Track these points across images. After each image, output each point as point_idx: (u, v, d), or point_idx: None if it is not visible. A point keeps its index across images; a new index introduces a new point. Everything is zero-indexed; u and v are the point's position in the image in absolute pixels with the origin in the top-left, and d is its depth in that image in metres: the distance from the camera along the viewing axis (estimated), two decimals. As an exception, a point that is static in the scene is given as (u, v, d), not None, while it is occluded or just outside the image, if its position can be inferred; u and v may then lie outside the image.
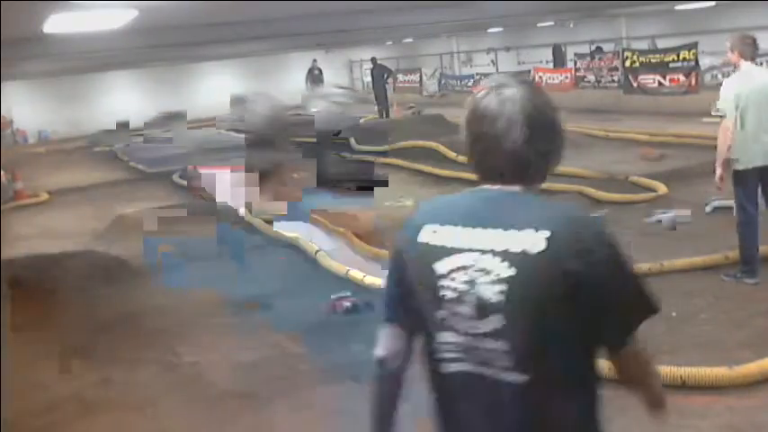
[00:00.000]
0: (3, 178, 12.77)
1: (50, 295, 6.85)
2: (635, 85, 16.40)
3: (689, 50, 15.28)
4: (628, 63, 16.73)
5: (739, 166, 5.30)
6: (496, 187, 1.62)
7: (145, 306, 6.63)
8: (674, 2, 16.44)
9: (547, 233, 1.50)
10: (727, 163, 5.35)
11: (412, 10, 10.62)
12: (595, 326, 1.53)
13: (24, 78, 21.36)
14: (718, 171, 5.37)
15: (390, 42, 26.99)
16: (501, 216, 1.56)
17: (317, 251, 7.37)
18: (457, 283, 1.55)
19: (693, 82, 15.21)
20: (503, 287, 1.51)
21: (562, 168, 8.56)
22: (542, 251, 1.49)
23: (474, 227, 1.57)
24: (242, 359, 5.15)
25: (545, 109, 1.63)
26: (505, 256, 1.52)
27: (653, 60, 16.15)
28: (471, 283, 1.54)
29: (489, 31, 22.91)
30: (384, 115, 19.02)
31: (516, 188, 1.61)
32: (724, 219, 6.72)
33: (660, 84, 15.79)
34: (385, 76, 19.46)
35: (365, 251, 7.41)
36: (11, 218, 11.56)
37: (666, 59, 15.73)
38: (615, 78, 17.48)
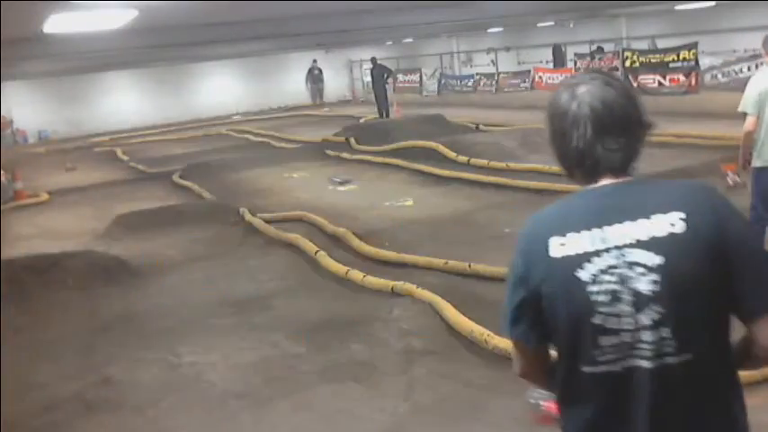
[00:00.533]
0: (3, 178, 12.77)
1: (50, 295, 6.85)
2: (635, 85, 16.37)
3: (689, 50, 15.27)
4: (628, 63, 16.72)
5: (758, 164, 5.33)
6: (606, 183, 1.63)
7: (145, 306, 6.63)
8: (674, 2, 16.45)
9: (681, 214, 1.54)
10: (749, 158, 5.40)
11: (412, 10, 10.62)
12: (740, 295, 1.56)
13: (24, 78, 21.37)
14: (741, 161, 5.43)
15: (390, 42, 26.98)
16: (627, 207, 1.58)
17: (317, 251, 7.37)
18: (607, 284, 1.55)
19: (693, 82, 15.21)
20: (655, 276, 1.53)
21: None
22: (684, 232, 1.53)
23: (603, 226, 1.57)
24: (242, 359, 5.15)
25: (618, 101, 1.61)
26: (649, 245, 1.54)
27: (653, 60, 16.15)
28: (622, 280, 1.55)
29: (489, 31, 22.91)
30: (384, 115, 19.01)
31: (624, 179, 1.63)
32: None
33: (660, 84, 15.78)
34: (385, 76, 19.45)
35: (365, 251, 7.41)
36: (11, 218, 11.57)
37: (666, 59, 15.72)
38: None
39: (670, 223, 1.54)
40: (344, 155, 14.24)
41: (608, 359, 1.58)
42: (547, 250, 1.60)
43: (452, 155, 12.05)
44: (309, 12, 9.13)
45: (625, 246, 1.55)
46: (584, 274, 1.57)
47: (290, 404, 4.44)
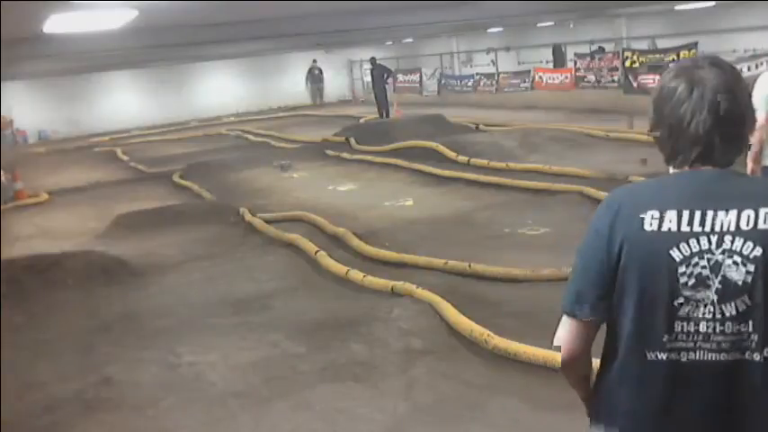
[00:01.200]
0: (3, 178, 12.77)
1: (50, 295, 6.85)
2: (635, 85, 16.40)
3: (689, 50, 15.27)
4: (628, 63, 16.73)
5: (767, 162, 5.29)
6: (704, 169, 1.58)
7: (145, 306, 6.63)
8: (674, 2, 16.44)
9: None
10: (757, 159, 5.32)
11: (412, 10, 10.61)
12: None
13: (24, 78, 21.37)
14: (750, 165, 5.35)
15: (390, 42, 26.98)
16: (732, 195, 1.54)
17: (317, 251, 7.37)
18: (699, 268, 1.52)
19: (693, 82, 15.19)
20: (751, 267, 1.50)
21: (562, 168, 8.61)
22: None
23: (703, 209, 1.53)
24: (241, 359, 5.15)
25: (735, 89, 1.58)
26: (749, 235, 1.51)
27: (653, 60, 16.15)
28: (716, 266, 1.51)
29: (489, 31, 22.90)
30: (384, 115, 19.01)
31: (726, 169, 1.59)
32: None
33: (660, 84, 15.79)
34: (385, 76, 19.45)
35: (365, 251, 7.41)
36: (11, 218, 11.56)
37: (666, 59, 15.72)
38: (615, 78, 17.49)
39: None
40: (344, 155, 14.24)
41: (677, 347, 1.54)
42: (642, 223, 1.55)
43: (452, 155, 12.06)
44: (309, 12, 9.13)
45: (725, 233, 1.52)
46: (676, 254, 1.53)
47: (289, 404, 4.44)
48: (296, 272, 7.20)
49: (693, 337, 1.53)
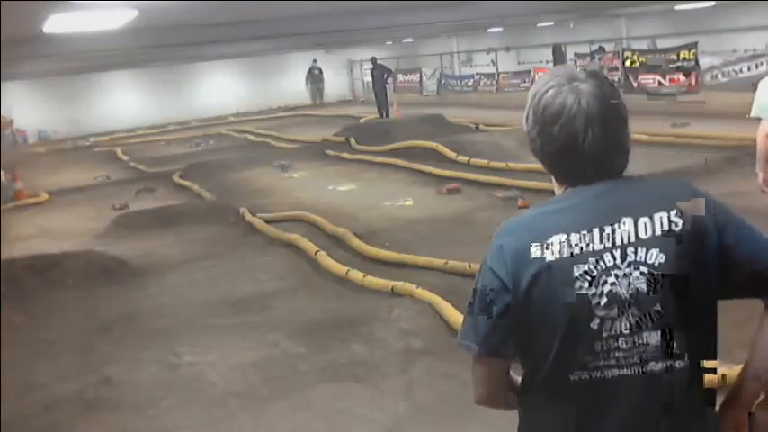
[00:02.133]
0: (3, 178, 12.77)
1: (50, 295, 6.85)
2: (635, 85, 16.39)
3: (689, 50, 15.26)
4: (628, 63, 16.72)
5: None
6: (596, 183, 1.55)
7: (145, 306, 6.63)
8: (674, 2, 16.44)
9: (677, 211, 1.49)
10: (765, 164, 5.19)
11: (412, 10, 10.61)
12: (739, 288, 1.55)
13: (24, 78, 21.36)
14: (761, 175, 5.22)
15: (390, 42, 26.97)
16: (625, 207, 1.52)
17: (317, 251, 7.37)
18: (608, 285, 1.49)
19: (693, 82, 15.20)
20: (658, 275, 1.48)
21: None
22: (683, 230, 1.49)
23: (601, 225, 1.50)
24: (241, 359, 5.15)
25: (616, 98, 1.55)
26: (650, 243, 1.49)
27: (653, 60, 16.15)
28: (625, 281, 1.49)
29: (489, 31, 22.89)
30: (384, 115, 19.01)
31: (615, 180, 1.56)
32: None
33: (660, 84, 15.78)
34: (385, 76, 19.45)
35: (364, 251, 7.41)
36: (11, 218, 11.56)
37: (666, 59, 15.72)
38: (615, 78, 17.47)
39: (670, 221, 1.49)
40: (344, 155, 14.24)
41: (600, 365, 1.51)
42: (542, 251, 1.51)
43: (452, 155, 12.06)
44: (309, 12, 9.12)
45: (627, 244, 1.49)
46: (582, 276, 1.49)
47: (289, 404, 4.44)
48: (296, 272, 7.20)
49: (614, 353, 1.50)
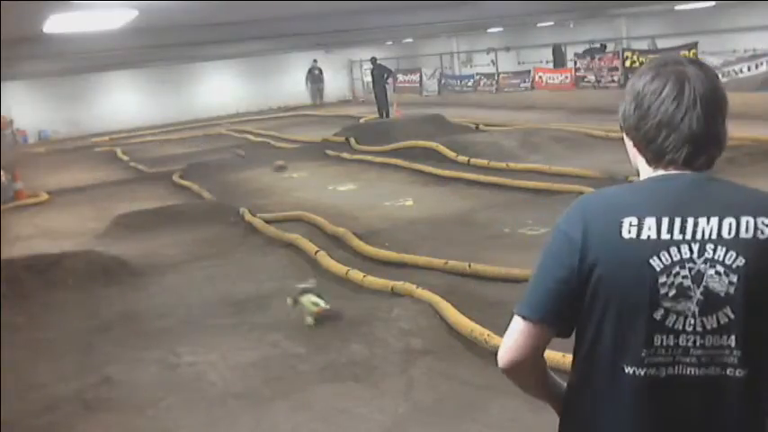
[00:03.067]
0: (3, 178, 12.77)
1: (50, 295, 6.85)
2: (635, 85, 16.40)
3: (689, 50, 15.28)
4: (628, 63, 16.74)
5: None
6: (684, 173, 1.50)
7: (145, 306, 6.63)
8: (674, 2, 16.44)
9: (767, 220, 1.44)
10: None
11: (412, 10, 10.61)
12: None
13: (24, 78, 21.37)
14: None
15: (390, 42, 26.97)
16: (713, 202, 1.47)
17: (317, 251, 7.37)
18: (680, 278, 1.44)
19: (693, 82, 15.20)
20: (734, 278, 1.43)
21: (562, 168, 8.65)
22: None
23: (684, 216, 1.45)
24: (242, 359, 5.15)
25: (720, 87, 1.52)
26: (732, 244, 1.43)
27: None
28: (697, 276, 1.44)
29: (489, 31, 22.90)
30: (384, 115, 19.02)
31: (705, 174, 1.50)
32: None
33: (660, 84, 15.80)
34: (385, 76, 19.47)
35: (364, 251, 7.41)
36: (11, 218, 11.57)
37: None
38: (615, 78, 17.49)
39: (756, 227, 1.44)
40: (344, 155, 14.24)
41: (655, 361, 1.46)
42: (619, 230, 1.45)
43: (452, 155, 12.06)
44: (309, 12, 9.13)
45: (707, 241, 1.44)
46: (656, 263, 1.44)
47: (289, 404, 4.44)
48: (296, 272, 7.20)
49: (673, 350, 1.46)
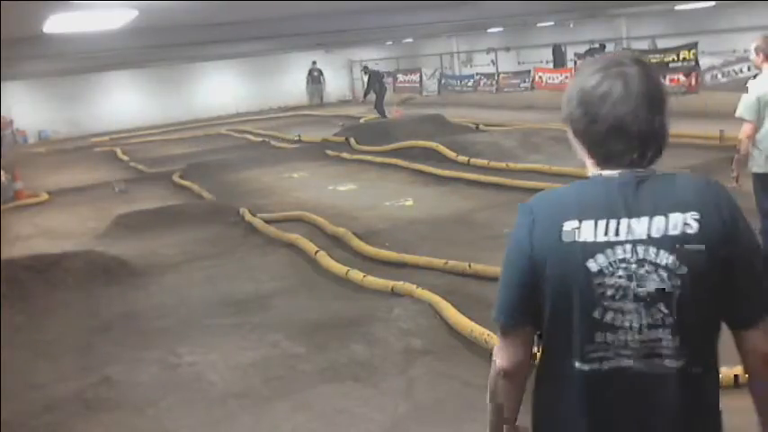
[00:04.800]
0: (3, 178, 12.77)
1: (50, 295, 6.85)
2: (635, 85, 16.41)
3: (689, 50, 15.28)
4: (628, 63, 16.72)
5: (759, 170, 5.18)
6: (623, 172, 1.56)
7: (145, 306, 6.63)
8: (674, 2, 16.44)
9: (696, 214, 1.51)
10: (742, 164, 5.22)
11: (412, 10, 10.61)
12: (735, 301, 1.54)
13: (24, 78, 21.38)
14: (735, 172, 5.24)
15: (390, 42, 26.98)
16: (644, 203, 1.53)
17: (317, 251, 7.37)
18: (616, 278, 1.51)
19: (693, 82, 15.22)
20: (665, 275, 1.50)
21: (562, 168, 8.64)
22: (696, 233, 1.50)
23: (619, 217, 1.53)
24: (242, 359, 5.15)
25: (661, 84, 1.59)
26: (662, 243, 1.50)
27: (653, 60, 16.14)
28: (632, 275, 1.51)
29: (489, 31, 22.90)
30: (383, 115, 19.13)
31: (643, 171, 1.57)
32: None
33: (660, 84, 15.80)
34: (382, 78, 19.87)
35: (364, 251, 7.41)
36: (11, 218, 11.56)
37: (666, 59, 15.73)
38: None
39: (685, 223, 1.50)
40: (344, 155, 14.24)
41: (597, 356, 1.54)
42: (560, 233, 1.54)
43: (452, 155, 12.06)
44: (309, 12, 9.13)
45: (639, 241, 1.51)
46: (593, 265, 1.52)
47: (289, 404, 4.44)
48: (296, 272, 7.20)
49: (613, 345, 1.53)
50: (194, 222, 9.39)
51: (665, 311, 1.51)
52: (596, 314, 1.53)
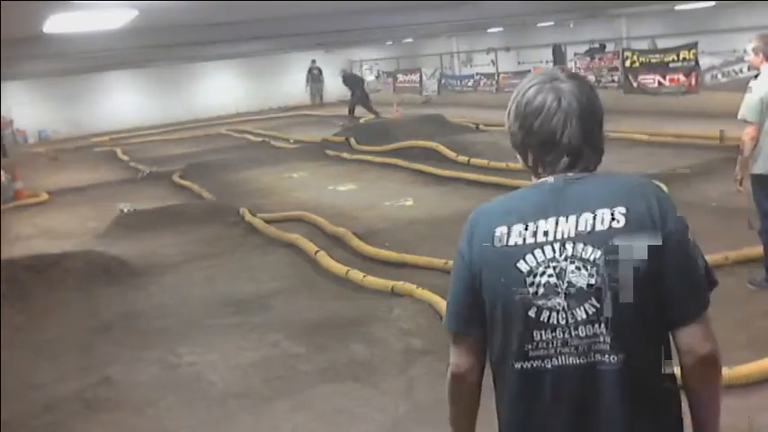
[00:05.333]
0: (3, 178, 12.77)
1: (50, 295, 6.85)
2: (635, 85, 16.40)
3: (689, 50, 15.26)
4: (628, 63, 16.72)
5: (761, 171, 5.14)
6: (557, 177, 1.63)
7: (145, 306, 6.63)
8: (674, 2, 16.44)
9: (623, 209, 1.54)
10: (745, 166, 5.17)
11: (412, 10, 10.62)
12: (668, 298, 1.55)
13: (24, 78, 21.37)
14: (739, 174, 5.20)
15: (390, 42, 26.98)
16: (572, 202, 1.58)
17: (317, 251, 7.37)
18: (546, 277, 1.56)
19: (693, 82, 15.20)
20: (592, 270, 1.53)
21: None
22: (622, 228, 1.53)
23: (547, 218, 1.58)
24: (242, 359, 5.15)
25: (594, 98, 1.63)
26: (588, 239, 1.54)
27: (653, 60, 16.14)
28: (561, 273, 1.55)
29: (489, 31, 22.91)
30: (375, 115, 19.16)
31: (575, 174, 1.62)
32: (723, 219, 6.73)
33: (660, 84, 15.78)
34: (361, 83, 19.93)
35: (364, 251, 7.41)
36: (11, 218, 11.56)
37: (666, 59, 15.71)
38: (615, 78, 17.48)
39: (612, 218, 1.54)
40: (344, 155, 14.24)
41: (539, 355, 1.57)
42: (492, 239, 1.61)
43: (452, 155, 12.06)
44: (309, 12, 9.13)
45: (566, 239, 1.55)
46: (523, 266, 1.57)
47: (289, 404, 4.44)
48: (296, 272, 7.20)
49: (553, 343, 1.56)
50: (194, 222, 9.39)
51: (597, 306, 1.53)
52: (531, 313, 1.57)
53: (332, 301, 6.23)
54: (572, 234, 1.55)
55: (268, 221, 8.98)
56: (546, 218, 1.58)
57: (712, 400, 1.63)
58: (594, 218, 1.55)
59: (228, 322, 5.96)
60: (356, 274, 6.54)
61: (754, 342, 4.43)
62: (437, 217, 8.85)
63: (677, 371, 1.61)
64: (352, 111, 19.76)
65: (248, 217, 9.29)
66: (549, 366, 1.57)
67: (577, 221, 1.55)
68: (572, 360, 1.56)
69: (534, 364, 1.58)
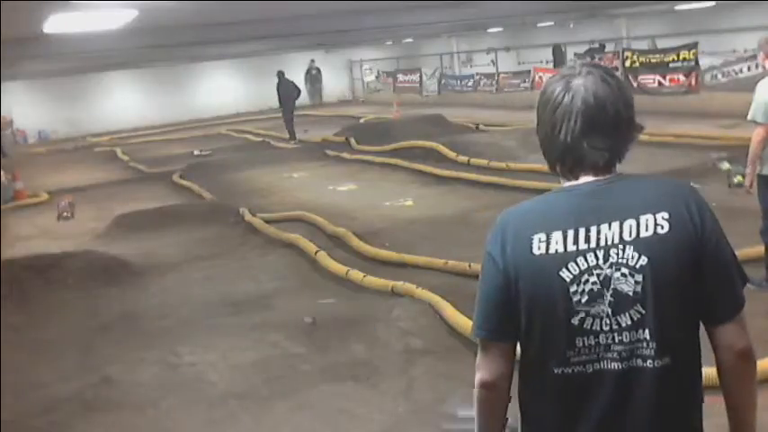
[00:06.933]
0: (3, 178, 12.76)
1: (50, 295, 6.85)
2: (635, 85, 16.38)
3: (689, 50, 15.26)
4: (628, 63, 16.70)
5: (766, 171, 5.14)
6: (588, 181, 1.60)
7: (145, 306, 6.63)
8: (674, 2, 16.44)
9: (665, 214, 1.53)
10: (756, 167, 5.15)
11: (412, 10, 10.61)
12: (709, 299, 1.56)
13: (24, 78, 21.36)
14: (749, 178, 5.20)
15: (390, 42, 26.97)
16: (612, 208, 1.56)
17: (317, 251, 7.37)
18: (590, 285, 1.54)
19: (693, 82, 15.20)
20: (639, 277, 1.52)
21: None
22: (668, 233, 1.52)
23: (587, 225, 1.55)
24: (242, 359, 5.15)
25: (608, 96, 1.58)
26: (634, 246, 1.52)
27: (653, 60, 16.13)
28: (605, 280, 1.53)
29: (489, 31, 22.90)
30: (291, 136, 17.86)
31: (610, 176, 1.60)
32: (723, 219, 6.71)
33: (660, 84, 15.77)
34: (295, 95, 18.59)
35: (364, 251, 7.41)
36: (11, 218, 11.56)
37: (666, 59, 15.71)
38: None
39: (656, 224, 1.53)
40: (344, 155, 14.24)
41: (581, 360, 1.56)
42: (530, 247, 1.57)
43: (452, 155, 12.06)
44: (309, 12, 9.12)
45: (610, 246, 1.54)
46: (566, 274, 1.54)
47: (290, 404, 4.44)
48: (296, 272, 7.20)
49: (595, 349, 1.55)
50: (194, 222, 9.39)
51: (643, 312, 1.53)
52: (575, 321, 1.55)
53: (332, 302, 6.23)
54: (616, 241, 1.53)
55: (268, 221, 8.98)
56: (587, 224, 1.55)
57: (751, 396, 1.64)
58: (638, 224, 1.53)
59: (229, 322, 5.96)
60: (356, 274, 6.54)
61: (755, 342, 4.40)
62: (437, 217, 8.85)
63: (708, 371, 1.62)
64: (291, 133, 17.97)
65: (248, 217, 9.29)
66: (591, 371, 1.56)
67: (621, 228, 1.54)
68: (614, 365, 1.55)
69: (576, 369, 1.56)
